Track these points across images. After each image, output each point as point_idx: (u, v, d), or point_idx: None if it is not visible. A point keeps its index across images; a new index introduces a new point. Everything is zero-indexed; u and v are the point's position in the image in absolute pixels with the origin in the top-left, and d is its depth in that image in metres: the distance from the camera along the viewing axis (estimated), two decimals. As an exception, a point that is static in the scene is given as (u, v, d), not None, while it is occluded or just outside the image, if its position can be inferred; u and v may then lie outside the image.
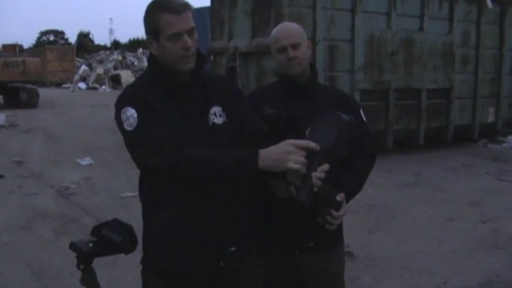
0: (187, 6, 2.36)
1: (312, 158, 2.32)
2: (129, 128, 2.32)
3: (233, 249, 2.48)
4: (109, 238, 2.38)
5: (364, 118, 2.98)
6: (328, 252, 2.92)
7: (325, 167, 2.33)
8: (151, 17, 2.36)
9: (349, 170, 2.82)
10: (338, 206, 2.60)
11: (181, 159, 2.24)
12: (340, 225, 2.82)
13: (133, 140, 2.34)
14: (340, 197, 2.60)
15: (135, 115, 2.30)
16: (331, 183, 2.53)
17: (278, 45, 2.84)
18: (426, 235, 6.51)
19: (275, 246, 2.88)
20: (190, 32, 2.35)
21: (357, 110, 2.96)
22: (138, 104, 2.33)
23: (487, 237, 6.45)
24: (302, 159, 2.23)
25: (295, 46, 2.80)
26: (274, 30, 2.93)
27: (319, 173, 2.31)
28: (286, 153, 2.22)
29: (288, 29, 2.89)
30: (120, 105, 2.37)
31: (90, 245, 2.39)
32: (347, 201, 2.71)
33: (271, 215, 2.81)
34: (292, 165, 2.21)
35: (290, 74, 2.85)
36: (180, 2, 2.35)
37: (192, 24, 2.36)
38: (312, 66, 2.98)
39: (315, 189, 2.31)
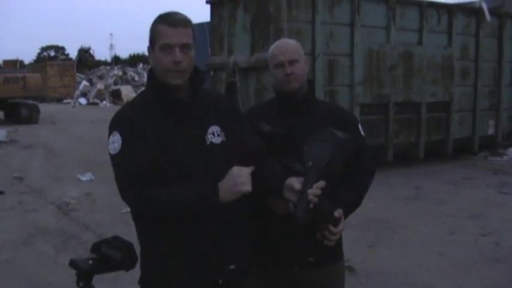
0: (186, 22, 2.39)
1: (308, 175, 2.36)
2: (112, 152, 2.39)
3: (232, 266, 2.48)
4: (109, 255, 2.38)
5: (362, 133, 2.99)
6: (328, 267, 2.92)
7: (321, 183, 2.37)
8: (152, 27, 2.42)
9: (348, 186, 2.82)
10: (336, 221, 2.61)
11: (146, 202, 2.32)
12: (339, 240, 2.83)
13: (114, 166, 2.41)
14: (338, 213, 2.61)
15: (120, 142, 2.36)
16: (329, 199, 2.54)
17: (275, 61, 2.86)
18: (427, 249, 6.50)
19: (275, 262, 2.88)
20: (183, 48, 2.36)
21: (355, 125, 2.98)
22: (126, 130, 2.37)
23: (488, 250, 6.44)
24: (249, 180, 2.32)
25: (292, 62, 2.82)
26: (272, 47, 2.95)
27: (315, 190, 2.35)
28: (235, 178, 2.30)
29: (285, 45, 2.91)
30: (111, 126, 2.43)
31: (90, 262, 2.39)
32: (346, 216, 2.71)
33: (270, 230, 2.81)
34: (246, 188, 2.30)
35: (287, 90, 2.86)
36: (180, 17, 2.39)
37: (187, 40, 2.38)
38: (310, 82, 2.99)
39: (311, 205, 2.33)
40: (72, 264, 2.40)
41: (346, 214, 2.72)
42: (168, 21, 2.36)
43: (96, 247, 2.43)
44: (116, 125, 2.42)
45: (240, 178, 2.29)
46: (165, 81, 2.40)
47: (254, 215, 2.77)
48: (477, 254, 6.36)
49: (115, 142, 2.37)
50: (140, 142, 2.35)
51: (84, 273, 2.37)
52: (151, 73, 2.50)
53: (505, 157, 13.12)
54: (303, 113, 2.89)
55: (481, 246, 6.59)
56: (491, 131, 13.59)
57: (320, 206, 2.40)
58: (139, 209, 2.40)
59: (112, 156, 2.39)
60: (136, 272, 2.51)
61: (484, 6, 12.97)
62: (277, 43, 2.97)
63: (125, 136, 2.36)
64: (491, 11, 13.08)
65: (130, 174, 2.34)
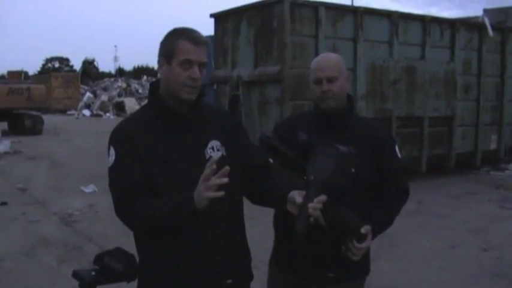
0: (206, 42, 2.45)
1: (309, 189, 2.38)
2: (108, 165, 2.44)
3: (229, 281, 2.49)
4: (111, 266, 2.41)
5: (398, 154, 2.98)
6: (347, 284, 2.93)
7: (322, 198, 2.38)
8: (169, 40, 2.44)
9: (381, 205, 2.84)
10: (361, 237, 2.63)
11: (132, 218, 2.39)
12: (364, 259, 2.83)
13: (108, 181, 2.46)
14: (365, 229, 2.61)
15: (113, 157, 2.42)
16: (360, 216, 2.57)
17: (314, 77, 2.85)
18: (428, 263, 6.51)
19: (295, 272, 2.90)
20: (201, 66, 2.42)
21: (391, 145, 2.99)
22: (121, 144, 2.42)
23: (489, 265, 6.45)
24: (215, 182, 2.22)
25: (330, 80, 2.80)
26: (314, 61, 2.94)
27: (315, 204, 2.36)
28: (200, 185, 2.25)
29: (326, 61, 2.90)
30: (109, 140, 2.48)
31: (93, 273, 2.42)
32: (376, 234, 2.72)
33: (292, 242, 2.79)
34: (210, 193, 2.23)
35: (323, 107, 2.84)
36: (201, 36, 2.44)
37: (206, 59, 2.44)
38: (349, 97, 2.97)
39: (312, 219, 2.36)
40: (75, 275, 2.43)
41: (377, 232, 2.73)
42: (191, 38, 2.40)
43: (98, 258, 2.46)
44: (112, 139, 2.47)
45: (203, 184, 2.24)
46: (178, 95, 2.42)
47: (284, 223, 2.81)
48: (478, 268, 6.36)
49: (110, 156, 2.43)
50: (134, 157, 2.38)
51: (87, 284, 2.40)
52: (153, 87, 2.53)
53: (507, 172, 13.11)
54: (340, 130, 2.86)
55: (483, 261, 6.60)
56: (493, 146, 13.59)
57: (346, 219, 2.43)
58: (128, 225, 2.46)
59: (108, 169, 2.45)
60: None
61: (487, 22, 13.02)
62: (319, 57, 2.97)
63: (119, 151, 2.41)
64: (493, 26, 13.12)
65: (120, 190, 2.39)
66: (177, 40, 2.41)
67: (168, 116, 2.46)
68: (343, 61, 2.96)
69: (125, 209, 2.38)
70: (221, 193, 2.23)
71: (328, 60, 2.91)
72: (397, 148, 3.00)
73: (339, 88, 2.83)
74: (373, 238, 2.71)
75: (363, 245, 2.64)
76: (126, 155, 2.39)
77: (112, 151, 2.43)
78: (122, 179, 2.38)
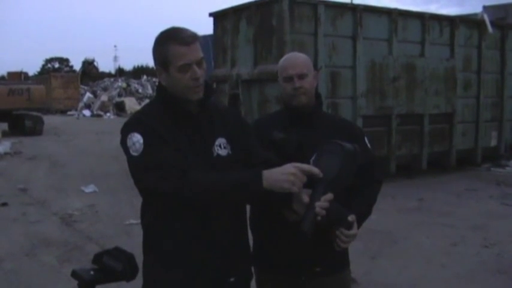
0: (196, 37, 2.38)
1: (316, 188, 2.36)
2: (134, 154, 2.33)
3: (232, 279, 2.49)
4: (110, 266, 2.40)
5: (368, 145, 3.03)
6: (334, 276, 2.94)
7: (329, 196, 2.38)
8: (160, 48, 2.38)
9: (358, 196, 2.85)
10: (349, 225, 2.63)
11: (187, 183, 2.25)
12: (345, 249, 2.86)
13: (139, 166, 2.35)
14: (351, 217, 2.63)
15: (141, 141, 2.32)
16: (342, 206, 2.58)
17: (285, 74, 2.89)
18: (429, 260, 6.50)
19: (282, 271, 2.90)
20: (199, 63, 2.37)
21: (361, 137, 3.01)
22: (144, 130, 2.34)
23: (490, 262, 6.43)
24: (300, 183, 2.26)
25: (301, 76, 2.85)
26: (282, 59, 2.99)
27: (322, 203, 2.36)
28: (289, 175, 2.25)
29: (296, 59, 2.95)
30: (126, 130, 2.39)
31: (92, 272, 2.41)
32: (359, 224, 2.72)
33: (279, 239, 2.84)
34: (293, 187, 2.25)
35: (295, 104, 2.88)
36: (190, 33, 2.38)
37: (201, 54, 2.39)
38: (318, 95, 3.02)
39: (319, 218, 2.35)
40: (74, 274, 2.42)
41: (359, 222, 2.73)
42: (181, 40, 2.33)
43: (97, 258, 2.45)
44: (132, 127, 2.39)
45: (291, 176, 2.25)
46: (186, 97, 2.40)
47: (264, 224, 2.81)
48: (479, 265, 6.36)
49: (136, 143, 2.33)
50: (161, 139, 2.33)
51: (86, 284, 2.39)
52: (161, 89, 2.50)
53: (507, 168, 13.09)
54: (310, 125, 2.92)
55: (484, 258, 6.59)
56: (494, 143, 13.59)
57: (334, 210, 2.42)
58: (180, 193, 2.27)
59: (135, 158, 2.33)
60: (137, 282, 2.53)
61: (486, 18, 13.02)
62: (287, 56, 3.02)
63: (145, 135, 2.33)
64: (493, 23, 13.11)
65: (164, 163, 2.28)
66: (168, 46, 2.34)
67: (178, 114, 2.43)
68: (310, 60, 3.02)
69: (175, 178, 2.25)
70: (296, 190, 2.27)
71: (297, 58, 2.97)
72: (366, 139, 3.05)
73: (309, 85, 2.89)
74: (358, 228, 2.73)
75: (352, 231, 2.65)
76: (156, 138, 2.33)
77: (136, 137, 2.32)
78: (163, 154, 2.30)
